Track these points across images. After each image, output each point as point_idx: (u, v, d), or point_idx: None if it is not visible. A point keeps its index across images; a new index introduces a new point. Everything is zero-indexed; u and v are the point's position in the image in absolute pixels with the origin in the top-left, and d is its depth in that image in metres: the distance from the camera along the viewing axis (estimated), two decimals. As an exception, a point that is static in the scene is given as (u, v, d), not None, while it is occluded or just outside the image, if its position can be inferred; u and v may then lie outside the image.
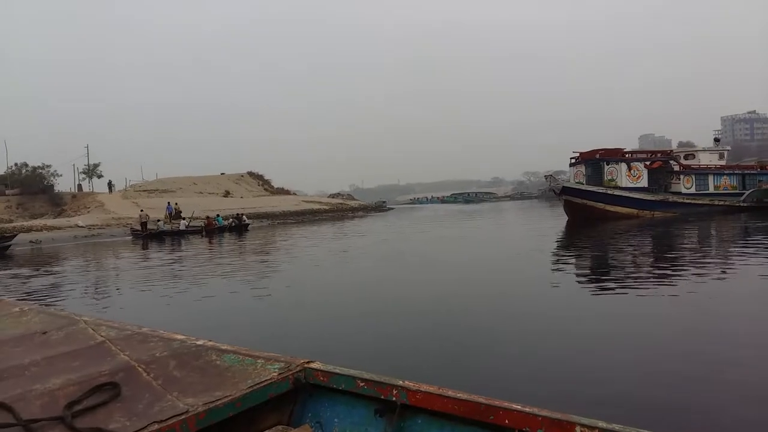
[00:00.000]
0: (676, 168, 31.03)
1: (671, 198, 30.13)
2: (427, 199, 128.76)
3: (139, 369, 2.30)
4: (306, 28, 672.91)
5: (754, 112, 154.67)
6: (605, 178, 30.50)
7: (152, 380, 2.19)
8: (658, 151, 33.88)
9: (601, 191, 29.64)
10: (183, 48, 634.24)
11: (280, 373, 2.21)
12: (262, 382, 2.14)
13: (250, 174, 69.59)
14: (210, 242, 28.34)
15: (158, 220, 36.82)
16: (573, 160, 32.76)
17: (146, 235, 33.24)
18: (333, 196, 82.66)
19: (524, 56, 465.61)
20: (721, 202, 30.21)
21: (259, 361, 2.32)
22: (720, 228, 22.34)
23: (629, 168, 30.28)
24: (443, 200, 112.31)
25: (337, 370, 2.21)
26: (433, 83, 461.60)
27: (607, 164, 30.67)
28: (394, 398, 2.04)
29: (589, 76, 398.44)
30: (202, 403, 1.97)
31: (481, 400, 1.86)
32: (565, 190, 30.30)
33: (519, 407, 1.79)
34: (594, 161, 31.39)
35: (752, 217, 25.21)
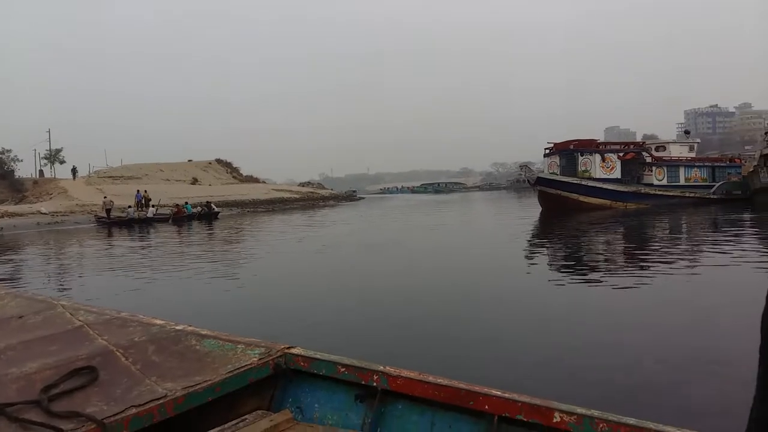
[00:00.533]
0: (649, 160, 31.34)
1: (643, 189, 30.42)
2: (398, 188, 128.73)
3: (118, 353, 2.28)
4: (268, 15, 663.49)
5: (716, 106, 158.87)
6: (579, 169, 30.63)
7: (130, 365, 2.17)
8: (631, 143, 34.24)
9: (575, 182, 29.76)
10: (138, 36, 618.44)
11: (260, 359, 2.20)
12: (242, 367, 2.13)
13: (219, 161, 68.23)
14: (179, 230, 27.50)
15: (128, 207, 35.82)
16: (547, 151, 32.81)
17: (111, 222, 32.23)
18: (303, 184, 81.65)
19: (493, 52, 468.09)
20: (692, 194, 30.64)
21: (239, 346, 2.30)
22: (692, 220, 22.58)
23: (603, 159, 30.46)
24: (413, 190, 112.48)
25: (318, 356, 2.20)
26: (400, 76, 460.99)
27: (581, 155, 30.80)
28: (374, 384, 2.03)
29: (557, 71, 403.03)
30: (180, 387, 1.96)
31: (462, 385, 1.86)
32: (540, 181, 30.35)
33: (499, 393, 1.79)
34: (568, 152, 31.49)
35: (722, 209, 25.57)
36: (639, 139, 70.61)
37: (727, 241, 14.41)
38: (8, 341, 2.47)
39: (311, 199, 61.37)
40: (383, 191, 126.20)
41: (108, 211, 33.93)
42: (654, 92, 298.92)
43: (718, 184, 31.07)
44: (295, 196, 60.54)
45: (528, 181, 31.61)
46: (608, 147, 31.83)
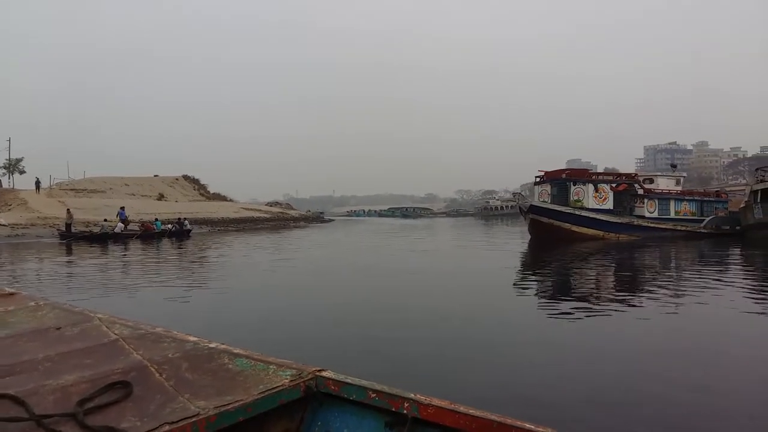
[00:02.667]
0: (640, 192, 30.91)
1: (636, 221, 29.90)
2: (364, 212, 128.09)
3: (152, 369, 2.29)
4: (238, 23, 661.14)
5: (674, 143, 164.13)
6: (571, 198, 29.91)
7: (164, 381, 2.18)
8: (623, 174, 33.83)
9: (568, 211, 29.00)
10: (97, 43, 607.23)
11: (291, 380, 2.20)
12: (273, 388, 2.13)
13: (186, 178, 65.91)
14: (147, 248, 25.47)
15: (105, 220, 33.78)
16: (538, 179, 32.11)
17: (76, 237, 29.96)
18: (271, 204, 79.62)
19: (456, 77, 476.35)
20: (684, 228, 30.30)
21: (271, 366, 2.31)
22: (691, 255, 21.88)
23: (596, 189, 29.84)
24: (381, 214, 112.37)
25: (349, 380, 2.19)
26: (366, 97, 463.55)
27: (574, 185, 30.12)
28: (405, 411, 2.01)
29: (523, 103, 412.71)
30: (213, 406, 1.97)
31: (494, 417, 1.84)
32: (533, 209, 29.48)
33: (532, 426, 1.77)
34: (560, 181, 30.81)
35: (714, 244, 25.16)
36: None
37: (737, 279, 13.82)
38: (46, 352, 2.49)
39: (281, 219, 59.79)
40: (350, 214, 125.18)
41: (68, 225, 31.57)
42: (612, 127, 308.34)
43: (708, 219, 30.85)
44: (266, 215, 58.76)
45: (521, 208, 30.73)
46: (601, 177, 31.30)
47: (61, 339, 2.73)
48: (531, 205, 29.77)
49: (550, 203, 30.13)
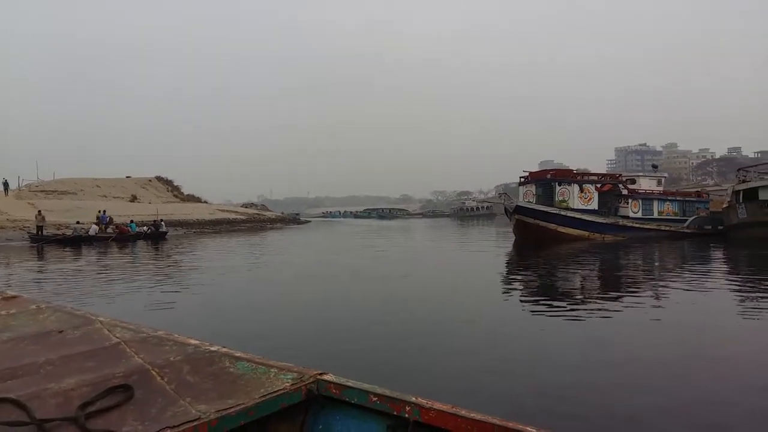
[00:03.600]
0: (625, 192, 30.88)
1: (621, 222, 29.84)
2: (340, 213, 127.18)
3: (153, 372, 2.29)
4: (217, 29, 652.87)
5: (644, 144, 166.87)
6: (556, 198, 29.71)
7: (165, 384, 2.18)
8: (608, 174, 33.81)
9: (554, 212, 28.80)
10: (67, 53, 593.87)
11: (292, 384, 2.19)
12: (275, 391, 2.12)
13: (159, 179, 64.29)
14: (123, 251, 24.45)
15: (77, 222, 32.76)
16: (522, 179, 31.88)
17: (47, 240, 28.81)
18: (246, 205, 78.32)
19: (434, 84, 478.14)
20: (668, 228, 30.36)
21: (272, 370, 2.30)
22: (676, 254, 21.80)
23: (581, 190, 29.71)
24: (357, 215, 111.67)
25: (350, 384, 2.19)
26: (333, 104, 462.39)
27: (559, 185, 29.93)
28: (406, 415, 2.00)
29: (494, 108, 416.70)
30: (214, 410, 1.96)
31: (495, 421, 1.83)
32: (519, 210, 29.20)
33: (533, 430, 1.76)
34: (545, 181, 30.63)
35: (699, 244, 25.16)
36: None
37: (731, 277, 13.82)
38: (48, 356, 2.47)
39: (258, 221, 58.73)
40: (326, 215, 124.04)
41: (39, 228, 30.26)
42: (583, 128, 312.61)
43: (691, 219, 30.99)
44: (242, 217, 57.62)
45: (506, 209, 30.44)
46: (586, 178, 31.17)
47: (63, 342, 2.71)
48: (517, 205, 29.49)
49: (535, 204, 29.93)
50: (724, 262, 18.94)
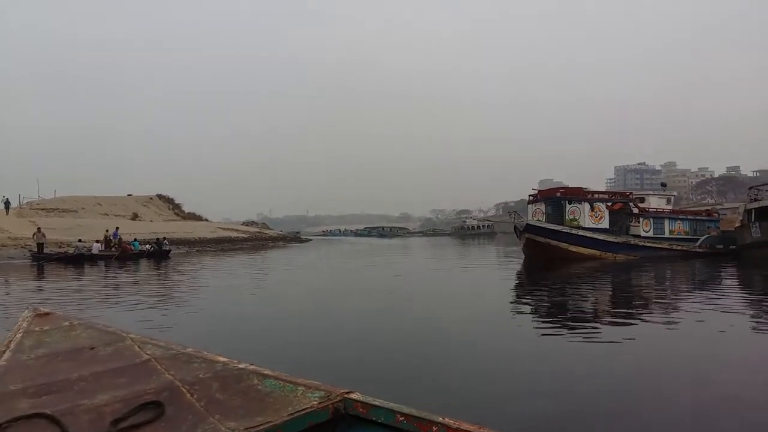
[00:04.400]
0: (635, 210, 30.48)
1: (633, 241, 29.39)
2: (341, 231, 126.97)
3: (183, 389, 2.31)
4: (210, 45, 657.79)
5: (643, 163, 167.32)
6: (567, 217, 29.31)
7: (195, 401, 2.20)
8: (618, 192, 33.47)
9: (565, 231, 28.38)
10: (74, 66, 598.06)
11: (320, 402, 2.19)
12: (302, 409, 2.13)
13: (160, 197, 63.98)
14: (127, 270, 23.94)
15: (79, 240, 32.04)
16: (531, 197, 31.52)
17: (49, 258, 28.32)
18: (247, 224, 77.85)
19: (429, 98, 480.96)
20: (679, 247, 29.90)
21: (299, 388, 2.30)
22: (694, 275, 21.35)
23: (592, 208, 29.32)
24: (357, 233, 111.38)
25: (377, 403, 2.18)
26: (337, 120, 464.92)
27: (569, 203, 29.54)
28: None
29: (498, 122, 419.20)
30: (243, 427, 1.98)
31: None
32: (529, 228, 28.79)
33: None
34: (555, 199, 30.25)
35: (711, 264, 24.70)
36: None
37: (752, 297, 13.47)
38: (80, 372, 2.50)
39: (260, 239, 58.29)
40: (326, 233, 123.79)
41: (40, 245, 29.78)
42: (583, 147, 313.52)
43: (702, 238, 30.55)
44: (243, 235, 57.15)
45: (516, 227, 30.04)
46: (596, 196, 30.78)
47: (95, 359, 2.73)
48: (527, 224, 29.08)
49: (545, 222, 29.53)
50: (741, 283, 18.46)
